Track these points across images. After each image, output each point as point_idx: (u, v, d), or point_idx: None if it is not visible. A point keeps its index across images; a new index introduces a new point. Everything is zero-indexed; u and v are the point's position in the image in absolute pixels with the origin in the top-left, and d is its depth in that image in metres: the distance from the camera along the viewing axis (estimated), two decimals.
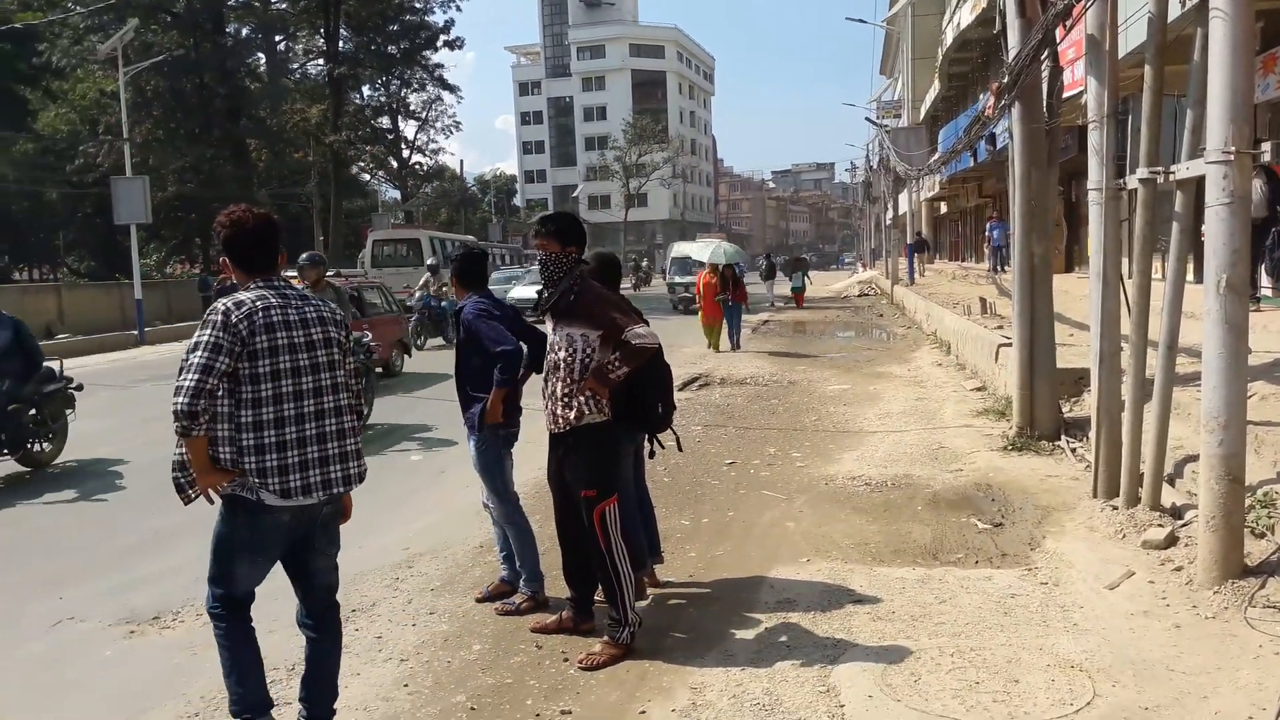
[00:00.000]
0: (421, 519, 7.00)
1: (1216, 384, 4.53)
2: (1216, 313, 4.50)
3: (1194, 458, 5.43)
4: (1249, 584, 4.43)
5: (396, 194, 57.29)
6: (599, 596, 4.65)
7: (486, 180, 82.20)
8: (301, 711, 3.68)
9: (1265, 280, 11.70)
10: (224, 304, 3.34)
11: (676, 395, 6.02)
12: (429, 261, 22.00)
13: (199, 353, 3.22)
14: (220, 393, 3.29)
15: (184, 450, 3.36)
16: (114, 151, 32.29)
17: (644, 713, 3.87)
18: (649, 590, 5.18)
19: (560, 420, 4.50)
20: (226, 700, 3.62)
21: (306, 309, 3.49)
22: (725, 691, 4.01)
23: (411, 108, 51.18)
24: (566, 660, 4.42)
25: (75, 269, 46.26)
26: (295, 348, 3.39)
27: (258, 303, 3.36)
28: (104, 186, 28.09)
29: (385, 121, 50.25)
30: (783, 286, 34.07)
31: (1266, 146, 6.93)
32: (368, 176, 56.17)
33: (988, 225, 28.03)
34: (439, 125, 55.64)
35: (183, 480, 3.43)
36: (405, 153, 52.64)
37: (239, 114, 37.86)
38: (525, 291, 24.60)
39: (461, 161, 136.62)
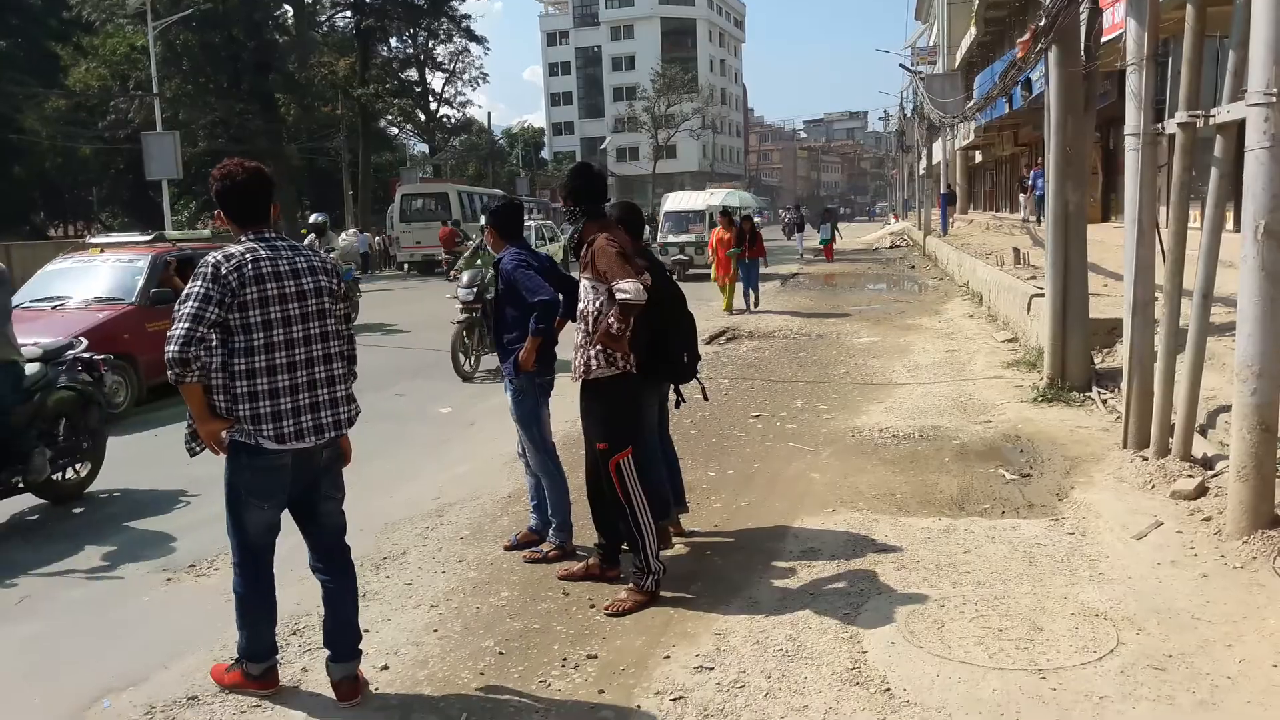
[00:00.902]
0: (451, 469, 7.08)
1: (1251, 331, 4.46)
2: (1254, 259, 4.42)
3: (1226, 408, 5.36)
4: (1278, 534, 4.39)
5: (424, 148, 57.22)
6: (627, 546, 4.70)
7: (514, 133, 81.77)
8: (328, 655, 3.77)
9: None
10: (214, 257, 3.45)
11: (704, 348, 6.02)
12: (314, 219, 19.00)
13: (189, 303, 3.35)
14: (214, 342, 3.42)
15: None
16: (144, 107, 32.50)
17: (669, 658, 3.93)
18: (674, 540, 5.23)
19: (575, 370, 4.59)
20: None
21: (297, 259, 3.58)
22: (749, 638, 4.05)
23: (438, 59, 50.97)
24: (593, 607, 4.48)
25: (109, 225, 46.78)
26: (286, 298, 3.50)
27: (247, 255, 3.46)
28: (135, 142, 28.31)
29: (413, 74, 50.08)
30: (812, 239, 33.79)
31: None
32: (396, 130, 56.11)
33: (1031, 173, 27.01)
34: (466, 77, 55.02)
35: (187, 434, 3.62)
36: (433, 105, 52.48)
37: (268, 68, 37.82)
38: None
39: (489, 114, 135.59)
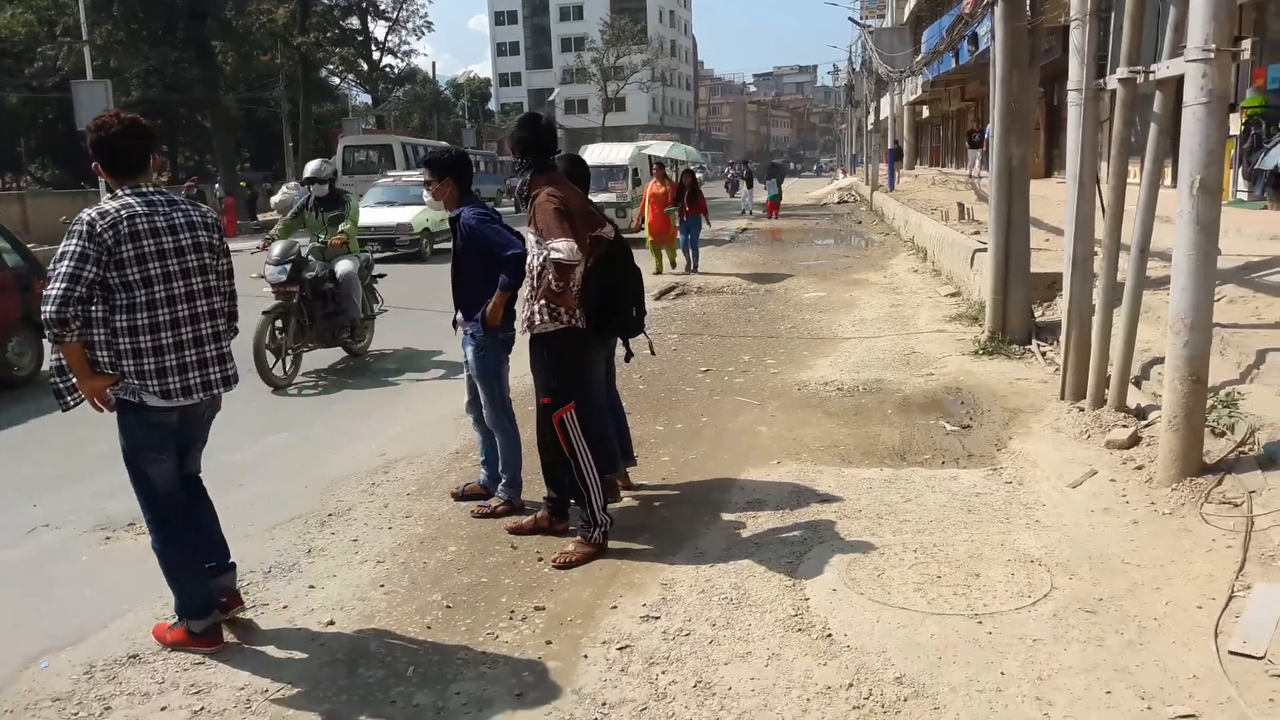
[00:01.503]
0: (397, 425, 7.03)
1: (1185, 285, 4.56)
2: (1189, 214, 4.51)
3: (1160, 360, 5.50)
4: (1206, 481, 4.54)
5: (367, 99, 55.93)
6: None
7: (460, 84, 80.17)
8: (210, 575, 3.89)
9: (1240, 183, 11.72)
10: (88, 214, 3.41)
11: (653, 304, 6.01)
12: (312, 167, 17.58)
13: (65, 262, 3.32)
14: (94, 299, 3.38)
15: (60, 356, 3.49)
16: (74, 54, 31.25)
17: (615, 608, 3.96)
18: (622, 493, 5.25)
19: (521, 323, 4.59)
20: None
21: (175, 214, 3.55)
22: (695, 587, 4.10)
23: (381, 7, 49.64)
24: (541, 560, 4.50)
25: (39, 177, 45.19)
26: (164, 254, 3.47)
27: (122, 211, 3.42)
28: (65, 91, 27.24)
29: (354, 22, 48.74)
30: (762, 195, 33.79)
31: (1246, 44, 6.85)
32: (337, 80, 54.73)
33: (986, 129, 26.48)
34: (410, 26, 53.77)
35: (61, 386, 3.60)
36: (375, 55, 51.21)
37: (203, 15, 36.52)
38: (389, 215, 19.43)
39: (434, 64, 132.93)
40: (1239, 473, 4.51)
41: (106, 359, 3.45)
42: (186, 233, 3.55)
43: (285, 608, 4.12)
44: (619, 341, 5.21)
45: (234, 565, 4.01)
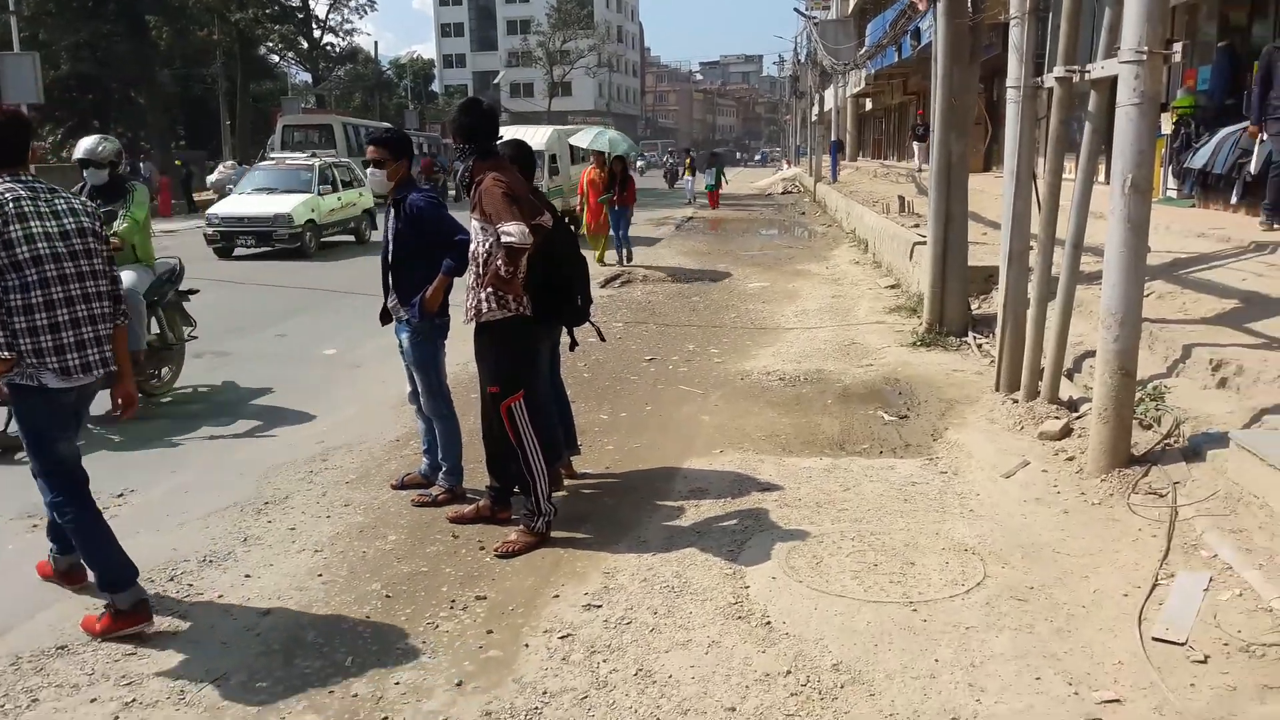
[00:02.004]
0: (336, 413, 6.93)
1: (1116, 281, 4.68)
2: (1120, 211, 4.62)
3: (1092, 353, 5.64)
4: (1134, 472, 4.67)
5: (307, 77, 54.88)
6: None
7: (403, 64, 79.01)
8: (54, 551, 4.11)
9: (1171, 181, 12.05)
10: None
11: (598, 292, 6.01)
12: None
13: None
14: None
15: None
16: None
17: (558, 597, 3.97)
18: (566, 482, 5.25)
19: (467, 313, 4.54)
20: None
21: (57, 201, 3.65)
22: (637, 575, 4.12)
23: None
24: (483, 549, 4.48)
25: None
26: (50, 236, 3.55)
27: (6, 194, 3.50)
28: None
29: None
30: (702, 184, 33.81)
31: (1178, 47, 7.03)
32: (276, 58, 53.54)
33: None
34: (352, 4, 53.07)
35: None
36: (316, 33, 50.30)
37: None
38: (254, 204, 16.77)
39: (376, 44, 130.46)
40: (1164, 464, 4.65)
41: (2, 339, 3.45)
42: (69, 218, 3.64)
43: (220, 597, 4.06)
44: (564, 330, 5.21)
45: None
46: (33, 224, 3.50)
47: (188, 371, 8.09)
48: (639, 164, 44.37)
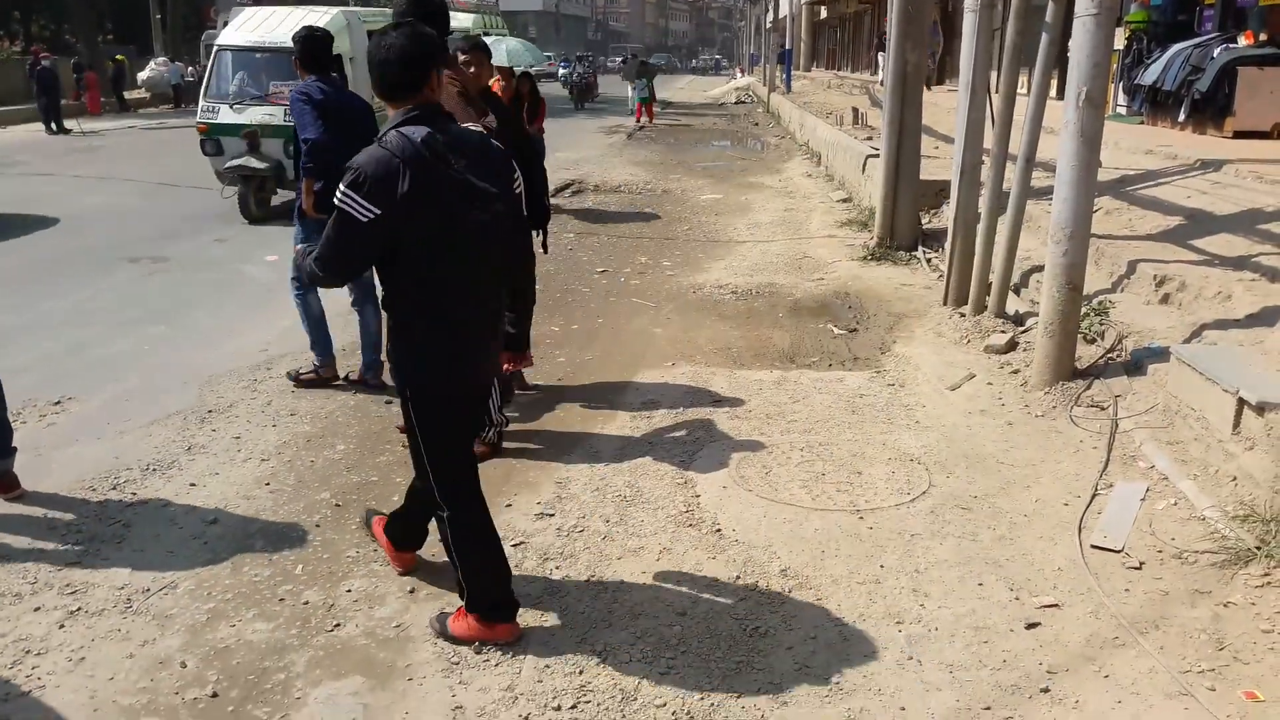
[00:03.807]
0: (281, 321, 6.77)
1: (1067, 195, 4.70)
2: (1074, 124, 4.61)
3: (1040, 268, 5.69)
4: (1077, 385, 4.77)
5: None
6: None
7: None
8: None
9: (1121, 98, 12.09)
10: None
11: (550, 200, 5.88)
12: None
13: None
14: None
15: None
16: None
17: (510, 506, 3.97)
18: (518, 393, 5.22)
19: None
20: None
21: None
22: (589, 485, 4.14)
23: None
24: None
25: None
26: None
27: None
28: None
29: None
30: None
31: None
32: None
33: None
34: None
35: None
36: None
37: None
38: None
39: None
40: (1107, 378, 4.76)
41: None
42: None
43: (165, 505, 4.00)
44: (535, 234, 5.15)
45: (14, 450, 4.09)
46: None
47: (125, 278, 7.85)
48: (560, 72, 39.01)
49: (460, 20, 20.55)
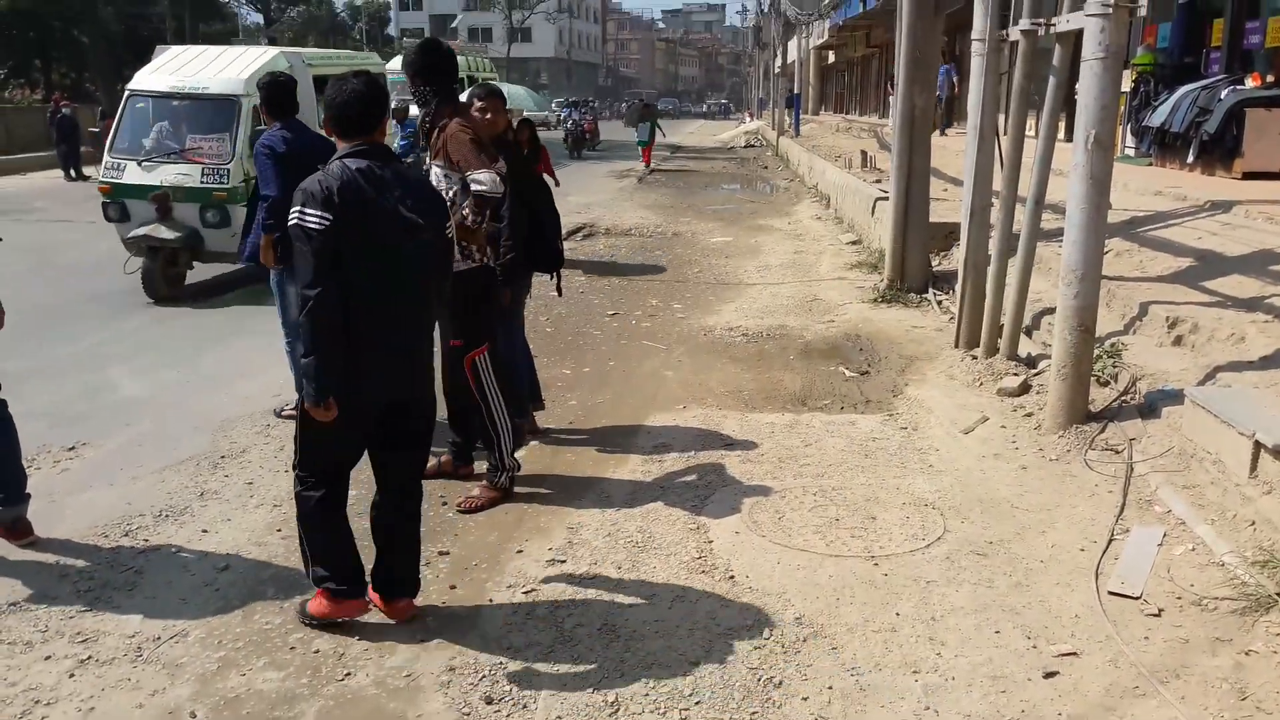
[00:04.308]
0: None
1: (1077, 238, 4.70)
2: (1083, 167, 4.63)
3: (1051, 310, 5.69)
4: (1091, 429, 4.74)
5: (259, 18, 53.28)
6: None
7: (358, 6, 76.96)
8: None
9: (1129, 140, 12.14)
10: None
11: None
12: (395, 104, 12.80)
13: None
14: None
15: None
16: None
17: (521, 552, 3.96)
18: (529, 437, 5.22)
19: None
20: None
21: None
22: (601, 530, 4.12)
23: None
24: (445, 504, 4.45)
25: None
26: None
27: None
28: None
29: None
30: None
31: (1143, 1, 7.03)
32: None
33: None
34: None
35: None
36: None
37: None
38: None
39: None
40: (1121, 421, 4.73)
41: None
42: None
43: (177, 552, 4.00)
44: (549, 278, 5.27)
45: (28, 497, 4.08)
46: None
47: (139, 322, 7.92)
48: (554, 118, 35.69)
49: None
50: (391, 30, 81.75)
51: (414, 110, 14.45)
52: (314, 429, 3.24)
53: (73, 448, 5.18)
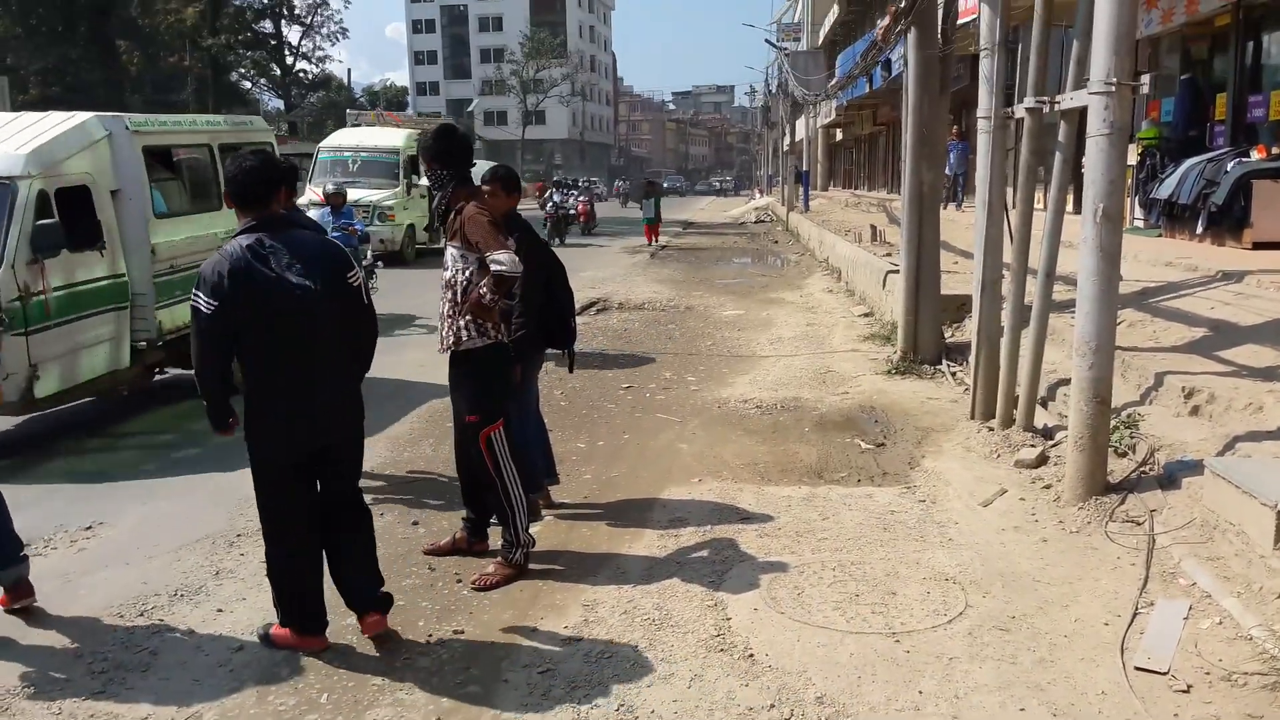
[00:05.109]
0: None
1: (1090, 309, 4.72)
2: (1092, 240, 4.67)
3: (1066, 381, 5.69)
4: (1111, 500, 4.70)
5: (280, 104, 54.75)
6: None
7: (376, 91, 79.01)
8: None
9: (1137, 211, 12.24)
10: None
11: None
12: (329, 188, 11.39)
13: None
14: None
15: None
16: None
17: (536, 630, 3.91)
18: (544, 512, 5.20)
19: (444, 341, 4.46)
20: None
21: None
22: (617, 608, 4.08)
23: (296, 11, 48.83)
24: (460, 581, 4.42)
25: None
26: None
27: None
28: None
29: (267, 25, 47.83)
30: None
31: (1145, 79, 7.17)
32: (249, 84, 53.46)
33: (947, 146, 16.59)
34: (324, 31, 53.19)
35: None
36: (289, 59, 50.27)
37: (107, 12, 35.36)
38: None
39: (349, 71, 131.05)
40: (1140, 492, 4.68)
41: None
42: None
43: (192, 632, 3.97)
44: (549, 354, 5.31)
45: (25, 559, 4.19)
46: None
47: (153, 399, 7.97)
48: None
49: (387, 138, 19.86)
50: (409, 114, 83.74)
51: (355, 195, 14.84)
52: (261, 502, 3.81)
53: (89, 527, 5.19)
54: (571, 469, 5.97)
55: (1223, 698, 3.18)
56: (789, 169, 37.11)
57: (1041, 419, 6.04)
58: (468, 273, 4.32)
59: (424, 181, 16.73)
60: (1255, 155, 10.07)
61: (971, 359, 6.73)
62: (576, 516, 5.25)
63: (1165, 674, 3.33)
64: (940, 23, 8.41)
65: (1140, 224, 12.11)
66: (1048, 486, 5.15)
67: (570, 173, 65.72)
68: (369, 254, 11.58)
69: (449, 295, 4.41)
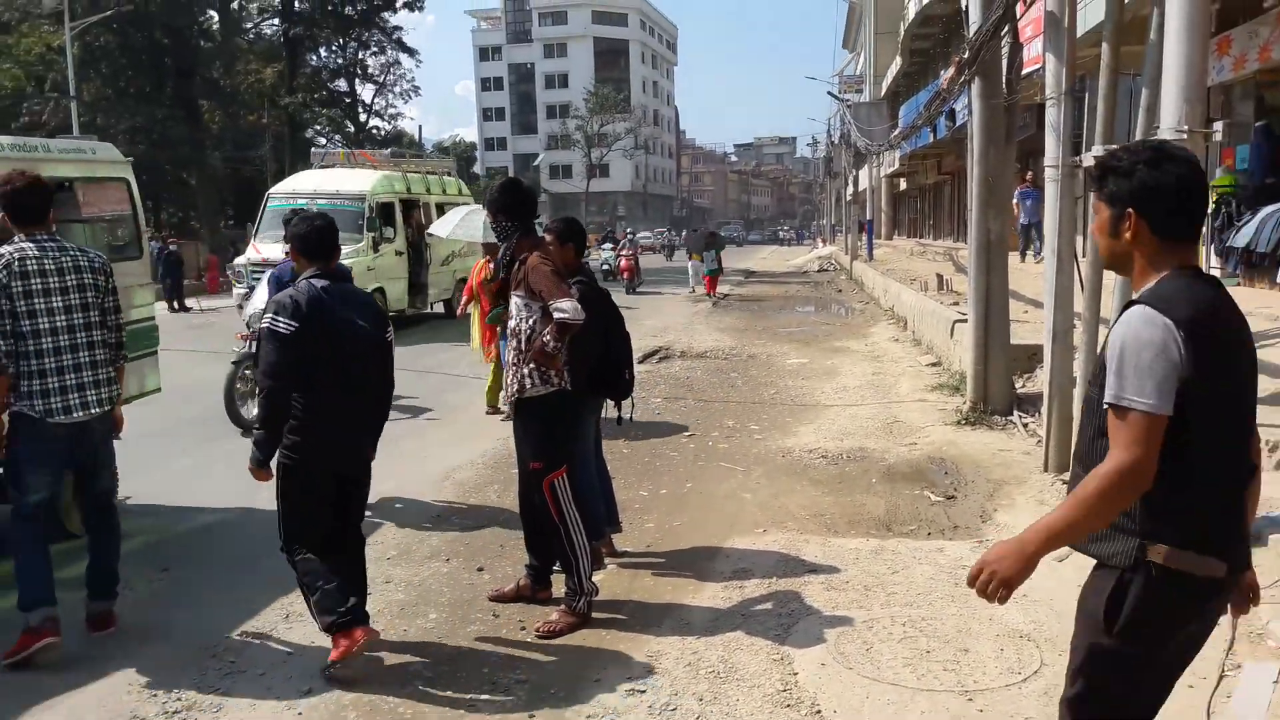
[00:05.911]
0: (374, 487, 6.92)
1: None
2: None
3: None
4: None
5: None
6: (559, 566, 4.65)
7: (446, 147, 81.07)
8: (86, 597, 4.36)
9: (1214, 260, 11.95)
10: None
11: (637, 367, 6.03)
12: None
13: None
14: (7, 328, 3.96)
15: None
16: (60, 110, 31.47)
17: (600, 680, 3.89)
18: (607, 560, 5.19)
19: (508, 390, 4.53)
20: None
21: (64, 258, 4.12)
22: (681, 659, 4.04)
23: (369, 71, 50.40)
24: (523, 629, 4.42)
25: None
26: (50, 291, 4.05)
27: (14, 254, 4.00)
28: None
29: (342, 84, 49.48)
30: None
31: (1218, 126, 7.04)
32: (324, 140, 55.17)
33: (1016, 193, 16.49)
34: (397, 90, 54.52)
35: None
36: (362, 117, 51.83)
37: (191, 73, 36.93)
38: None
39: (420, 127, 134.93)
40: None
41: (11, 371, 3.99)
42: (72, 274, 4.12)
43: (262, 675, 4.03)
44: (608, 406, 5.26)
45: (115, 595, 4.43)
46: (34, 280, 3.99)
47: (231, 447, 8.17)
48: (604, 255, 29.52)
49: (352, 181, 16.35)
50: (478, 169, 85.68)
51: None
52: (291, 504, 4.06)
53: (166, 569, 5.32)
54: (634, 517, 5.96)
55: None
56: (852, 219, 37.04)
57: None
58: (531, 321, 4.38)
59: (399, 237, 14.90)
60: None
61: (1044, 410, 6.59)
62: (639, 565, 5.23)
63: None
64: (1005, 72, 8.38)
65: (1217, 272, 11.80)
66: None
67: (632, 224, 66.34)
68: None
69: (514, 344, 4.49)
